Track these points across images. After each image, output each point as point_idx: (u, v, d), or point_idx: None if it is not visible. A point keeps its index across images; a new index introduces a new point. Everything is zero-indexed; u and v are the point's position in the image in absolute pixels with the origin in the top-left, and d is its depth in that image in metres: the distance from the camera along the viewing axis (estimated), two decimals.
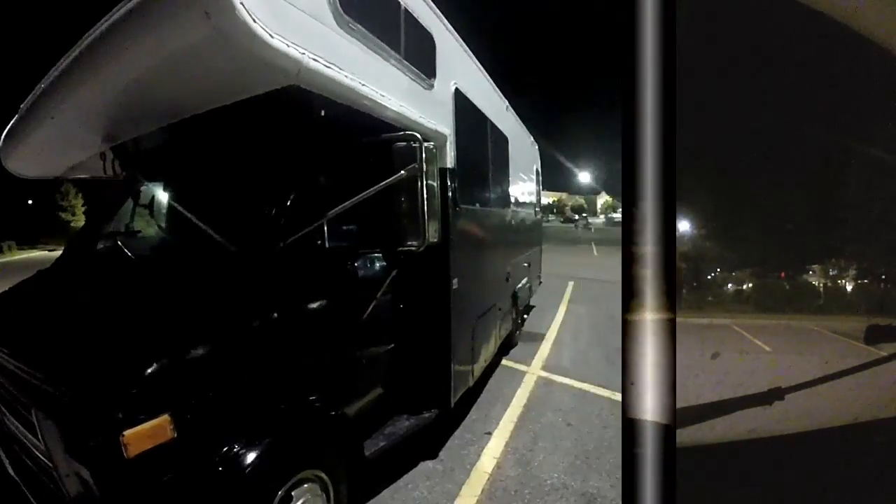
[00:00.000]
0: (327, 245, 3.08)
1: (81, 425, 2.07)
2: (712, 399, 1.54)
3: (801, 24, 1.32)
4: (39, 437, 2.35)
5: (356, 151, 3.33)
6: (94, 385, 2.14)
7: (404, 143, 3.11)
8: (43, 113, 3.30)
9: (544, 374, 6.49)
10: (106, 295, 2.99)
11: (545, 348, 7.75)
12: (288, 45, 2.15)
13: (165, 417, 2.13)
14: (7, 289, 4.00)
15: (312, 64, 2.31)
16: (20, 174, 4.88)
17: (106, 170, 4.57)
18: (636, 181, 1.13)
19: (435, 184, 3.27)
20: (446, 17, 4.20)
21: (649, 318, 1.22)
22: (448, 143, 4.04)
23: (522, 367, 6.73)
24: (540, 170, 10.86)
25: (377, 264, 3.57)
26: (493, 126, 6.03)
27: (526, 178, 8.83)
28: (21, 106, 3.67)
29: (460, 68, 4.70)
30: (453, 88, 4.34)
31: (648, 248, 1.16)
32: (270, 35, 2.04)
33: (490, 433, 4.73)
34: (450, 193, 3.96)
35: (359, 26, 2.76)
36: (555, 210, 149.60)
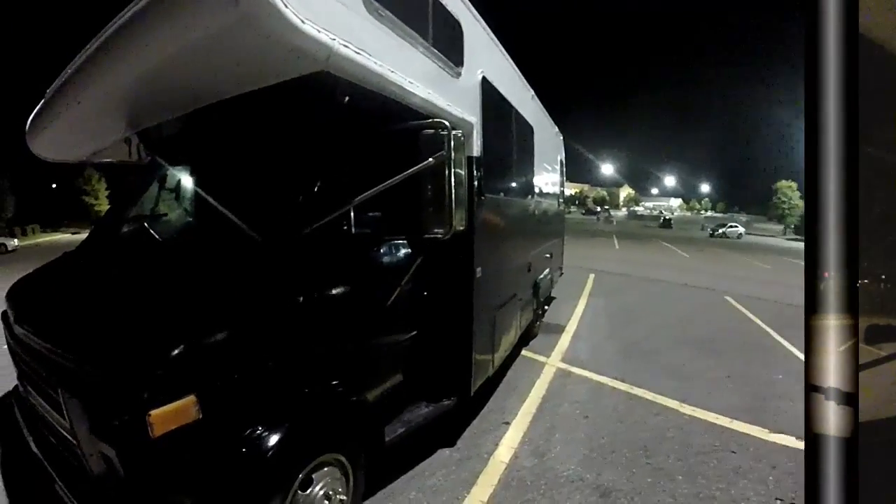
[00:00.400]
0: (353, 231, 3.08)
1: (108, 404, 2.09)
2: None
3: None
4: (65, 415, 2.37)
5: (383, 138, 3.33)
6: (122, 365, 2.16)
7: (432, 131, 3.12)
8: (69, 98, 3.31)
9: (563, 365, 6.48)
10: (133, 277, 3.02)
11: (564, 340, 7.73)
12: (318, 31, 2.14)
13: (191, 398, 2.16)
14: (33, 270, 4.08)
15: (342, 50, 2.31)
16: (45, 158, 4.95)
17: (130, 154, 4.62)
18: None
19: (462, 172, 3.25)
20: (473, 5, 4.16)
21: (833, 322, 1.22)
22: (474, 132, 4.01)
23: (541, 359, 6.72)
24: (564, 160, 10.78)
25: (402, 251, 3.56)
26: (519, 115, 5.98)
27: (550, 168, 8.77)
28: (47, 91, 3.70)
29: (487, 56, 4.67)
30: (480, 77, 4.30)
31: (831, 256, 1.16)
32: (301, 20, 2.04)
33: (507, 423, 4.74)
34: (475, 182, 3.94)
35: (388, 13, 2.75)
36: (577, 202, 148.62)
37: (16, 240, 34.88)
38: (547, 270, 8.22)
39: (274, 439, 2.37)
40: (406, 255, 3.58)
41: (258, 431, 2.37)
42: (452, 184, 3.12)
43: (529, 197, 6.79)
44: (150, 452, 2.09)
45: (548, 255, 8.30)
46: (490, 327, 4.59)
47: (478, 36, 4.34)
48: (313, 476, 2.66)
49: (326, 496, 2.72)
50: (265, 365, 2.53)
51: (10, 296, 3.56)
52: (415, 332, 3.74)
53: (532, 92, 7.04)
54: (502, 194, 5.21)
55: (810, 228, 1.27)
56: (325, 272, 2.91)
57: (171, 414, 2.10)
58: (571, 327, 8.59)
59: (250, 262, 2.68)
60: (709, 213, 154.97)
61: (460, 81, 3.87)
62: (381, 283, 3.39)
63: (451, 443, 4.26)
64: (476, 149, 4.03)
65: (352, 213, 3.03)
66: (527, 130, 6.57)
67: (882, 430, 1.51)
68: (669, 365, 6.63)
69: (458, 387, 4.06)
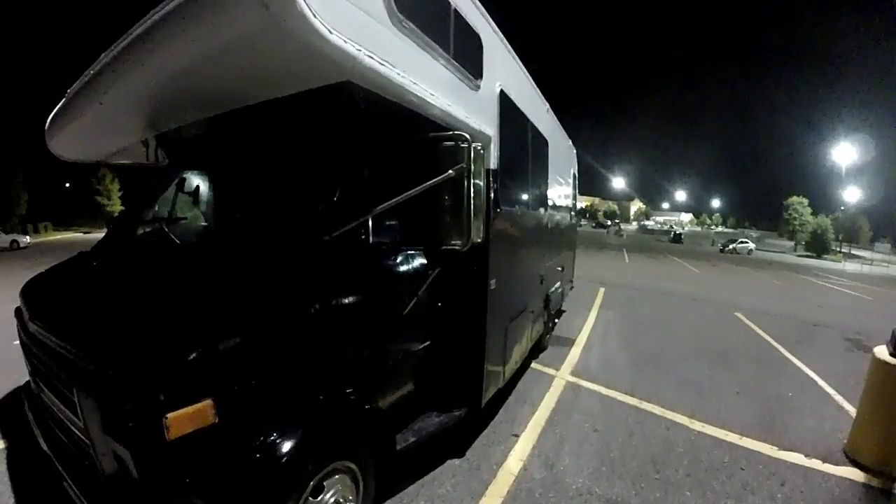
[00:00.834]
0: (371, 240, 3.11)
1: (124, 405, 2.10)
2: None
3: None
4: (79, 414, 2.37)
5: (403, 148, 3.36)
6: (140, 367, 2.18)
7: (452, 143, 3.15)
8: (91, 98, 3.33)
9: (573, 378, 6.47)
10: (151, 279, 3.05)
11: (574, 353, 7.71)
12: (345, 41, 2.17)
13: (208, 402, 2.19)
14: (48, 268, 4.12)
15: (367, 61, 2.34)
16: (64, 157, 5.00)
17: (148, 156, 4.67)
18: None
19: (480, 184, 3.28)
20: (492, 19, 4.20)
21: None
22: (492, 144, 4.05)
23: (551, 371, 6.72)
24: (577, 174, 10.81)
25: (418, 261, 3.59)
26: (535, 128, 6.02)
27: (563, 181, 8.79)
28: (68, 90, 3.75)
29: (506, 70, 4.71)
30: (498, 89, 4.35)
31: None
32: (328, 30, 2.07)
33: (517, 435, 4.74)
34: (492, 194, 3.97)
35: (411, 24, 2.78)
36: (588, 215, 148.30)
37: (28, 237, 35.11)
38: (558, 283, 8.23)
39: (287, 445, 2.38)
40: (422, 265, 3.61)
41: (272, 437, 2.39)
42: (471, 196, 3.15)
43: (543, 210, 6.81)
44: (165, 454, 2.11)
45: (559, 268, 8.31)
46: (502, 339, 4.60)
47: (497, 49, 4.38)
48: (325, 483, 2.68)
49: (337, 503, 2.73)
50: (281, 371, 2.56)
51: (25, 293, 3.60)
52: (428, 343, 3.76)
53: (547, 105, 7.07)
54: (517, 207, 5.24)
55: None
56: (342, 280, 2.93)
57: (188, 417, 2.13)
58: (581, 340, 8.57)
59: (269, 268, 2.71)
60: (719, 229, 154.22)
61: (479, 94, 3.91)
62: (397, 292, 3.42)
63: (460, 453, 4.27)
64: (493, 161, 4.06)
65: (370, 222, 3.06)
66: (542, 143, 6.61)
67: None
68: (679, 379, 6.61)
69: (469, 397, 4.07)
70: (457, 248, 3.24)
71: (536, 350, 7.15)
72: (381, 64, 2.47)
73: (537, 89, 6.36)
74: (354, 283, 3.01)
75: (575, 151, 10.50)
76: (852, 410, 5.22)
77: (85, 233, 50.21)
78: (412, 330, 3.63)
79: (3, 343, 7.27)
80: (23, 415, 3.68)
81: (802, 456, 4.51)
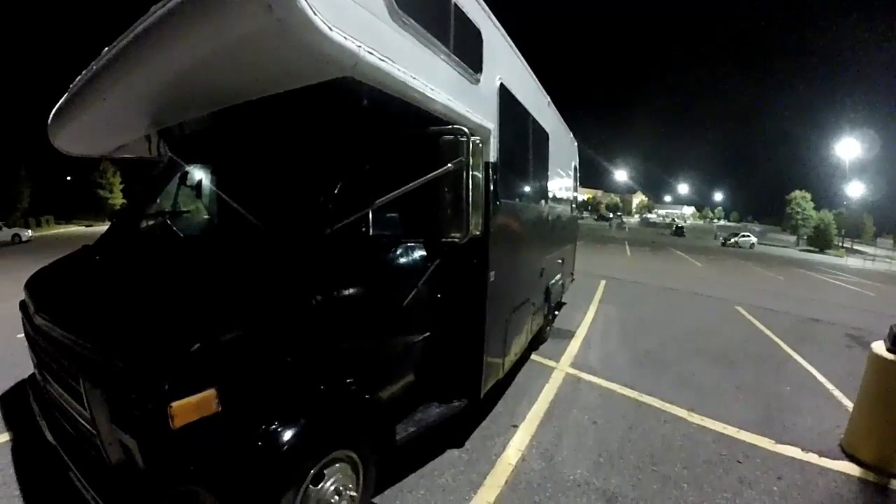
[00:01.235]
0: (371, 232, 3.14)
1: (130, 395, 2.13)
2: None
3: None
4: (85, 404, 2.41)
5: (403, 142, 3.38)
6: (145, 357, 2.21)
7: (451, 137, 3.19)
8: (94, 94, 3.35)
9: (572, 371, 6.50)
10: (155, 271, 3.08)
11: (574, 346, 7.75)
12: (346, 39, 2.19)
13: (212, 392, 2.22)
14: (52, 261, 4.15)
15: (368, 57, 2.35)
16: (67, 152, 5.02)
17: (151, 151, 4.70)
18: None
19: (479, 177, 3.30)
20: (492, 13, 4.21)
21: None
22: (492, 138, 4.06)
23: (551, 364, 6.75)
24: (578, 166, 10.81)
25: (418, 254, 3.61)
26: (535, 121, 6.03)
27: (564, 174, 8.80)
28: (71, 85, 3.76)
29: (506, 63, 4.72)
30: (498, 83, 4.36)
31: None
32: (329, 28, 2.08)
33: (516, 426, 4.79)
34: (492, 187, 3.99)
35: (411, 21, 2.79)
36: (589, 207, 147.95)
37: (30, 231, 35.47)
38: (559, 276, 8.26)
39: (289, 434, 2.43)
40: (422, 257, 3.64)
41: (274, 426, 2.43)
42: (470, 189, 3.19)
43: (543, 202, 6.82)
44: (170, 443, 2.14)
45: (560, 261, 8.33)
46: (502, 331, 4.63)
47: (497, 43, 4.39)
48: (325, 471, 2.72)
49: (337, 491, 2.77)
50: (283, 361, 2.59)
51: (30, 286, 3.63)
52: (428, 334, 3.79)
53: (548, 98, 7.07)
54: (517, 199, 5.26)
55: None
56: (343, 272, 2.96)
57: (192, 406, 2.16)
58: (582, 333, 8.60)
59: (271, 260, 2.75)
60: (722, 222, 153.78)
61: (479, 88, 3.92)
62: (398, 284, 3.45)
63: (460, 444, 4.31)
64: (493, 154, 4.08)
65: (371, 215, 3.09)
66: (542, 136, 6.62)
67: None
68: (679, 374, 6.64)
69: (468, 389, 4.11)
70: (456, 240, 3.27)
71: (537, 342, 7.19)
72: (382, 60, 2.48)
73: (538, 83, 6.36)
74: (355, 275, 3.04)
75: (576, 144, 10.49)
76: (850, 406, 5.24)
77: (87, 226, 50.44)
78: (412, 321, 3.66)
79: (6, 337, 7.36)
80: (26, 407, 3.72)
81: (800, 450, 4.54)
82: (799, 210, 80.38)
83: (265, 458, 2.37)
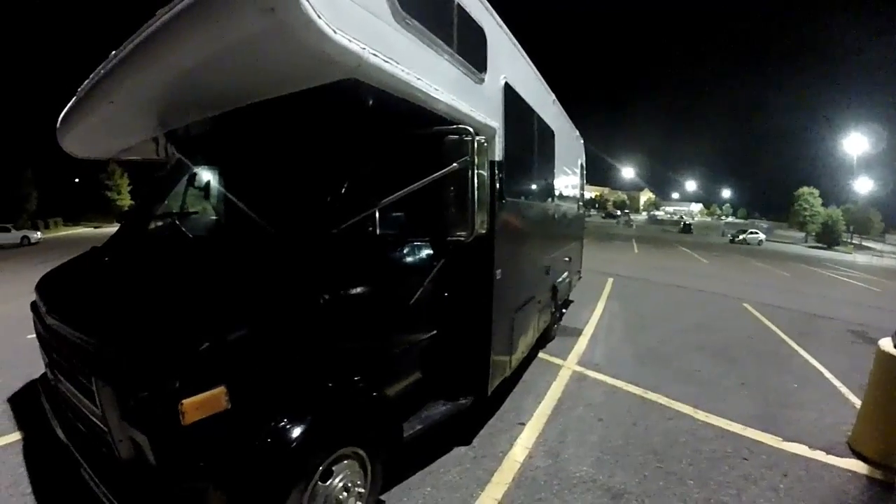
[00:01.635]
0: (377, 232, 3.17)
1: (141, 392, 2.16)
2: None
3: None
4: (96, 402, 2.43)
5: (408, 142, 3.41)
6: (156, 355, 2.24)
7: (456, 136, 3.23)
8: (101, 97, 3.37)
9: (579, 369, 6.52)
10: (164, 272, 3.12)
11: (581, 344, 7.76)
12: (349, 41, 2.21)
13: (221, 389, 2.25)
14: (62, 263, 4.19)
15: (372, 59, 2.37)
16: (75, 154, 5.08)
17: (158, 153, 4.73)
18: None
19: (484, 176, 3.32)
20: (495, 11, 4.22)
21: None
22: (497, 136, 4.07)
23: (558, 361, 6.77)
24: (584, 164, 10.80)
25: (423, 252, 3.64)
26: (540, 119, 6.04)
27: (570, 172, 8.80)
28: (79, 89, 3.79)
29: (510, 62, 4.73)
30: (503, 82, 4.36)
31: None
32: (333, 31, 2.10)
33: (523, 423, 4.81)
34: (497, 186, 4.01)
35: (415, 21, 2.81)
36: (596, 205, 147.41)
37: (39, 233, 35.81)
38: (566, 273, 8.27)
39: (297, 431, 2.46)
40: (428, 256, 3.66)
41: (282, 423, 2.46)
42: (475, 188, 3.22)
43: (549, 200, 6.84)
44: (180, 439, 2.17)
45: (567, 259, 8.34)
46: (508, 329, 4.65)
47: (501, 42, 4.40)
48: (333, 468, 2.75)
49: (345, 488, 2.81)
50: (291, 359, 2.63)
51: (41, 287, 3.68)
52: (435, 332, 3.81)
53: (553, 96, 7.07)
54: (523, 198, 5.28)
55: None
56: (350, 271, 2.99)
57: (202, 403, 2.19)
58: (588, 331, 8.61)
59: (279, 260, 2.78)
60: (729, 219, 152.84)
61: (483, 87, 3.93)
62: (404, 282, 3.48)
63: (467, 441, 4.34)
64: (498, 153, 4.09)
65: (377, 214, 3.12)
66: (548, 134, 6.62)
67: None
68: (684, 370, 6.65)
69: (475, 386, 4.13)
70: (461, 239, 3.31)
71: (543, 340, 7.20)
72: (386, 61, 2.50)
73: (543, 81, 6.37)
74: (362, 273, 3.07)
75: (582, 142, 10.48)
76: (857, 402, 5.25)
77: (95, 227, 50.98)
78: (419, 319, 3.69)
79: (15, 338, 7.46)
80: (37, 406, 3.77)
81: (806, 447, 4.54)
82: (807, 206, 79.80)
83: (274, 455, 2.40)
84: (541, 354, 6.96)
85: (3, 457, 4.17)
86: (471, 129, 3.24)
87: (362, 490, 2.96)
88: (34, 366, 5.62)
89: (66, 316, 2.94)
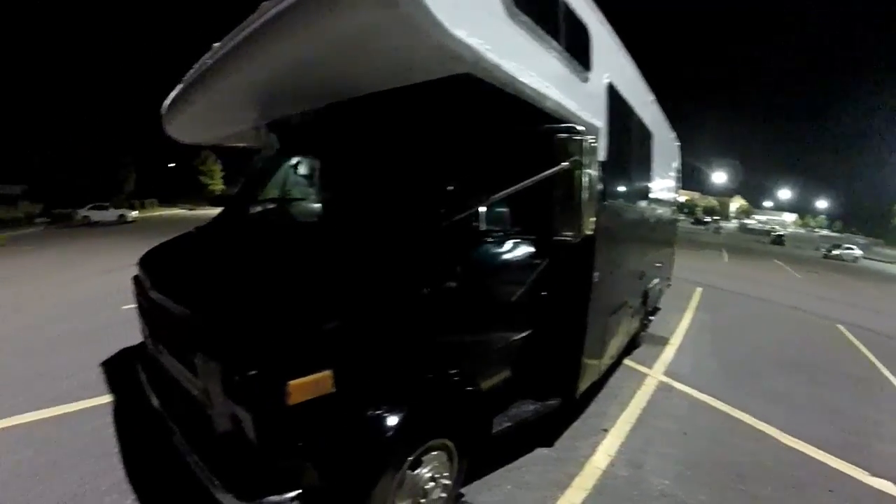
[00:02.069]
0: (483, 228, 3.17)
1: (248, 371, 2.19)
2: None
3: None
4: (199, 376, 2.51)
5: (516, 139, 3.40)
6: (266, 335, 2.31)
7: (566, 135, 3.17)
8: (208, 86, 3.52)
9: (665, 379, 6.34)
10: (272, 254, 3.21)
11: (668, 353, 7.54)
12: (467, 36, 2.22)
13: (328, 373, 2.29)
14: (166, 240, 4.38)
15: (490, 55, 2.38)
16: (179, 140, 5.33)
17: (260, 141, 4.90)
18: None
19: (593, 176, 3.26)
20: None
21: None
22: (600, 136, 4.01)
23: (644, 369, 6.61)
24: (679, 167, 10.44)
25: (527, 251, 3.61)
26: (640, 120, 5.90)
27: (666, 175, 8.55)
28: (185, 76, 3.96)
29: (613, 61, 4.64)
30: (607, 81, 4.29)
31: None
32: (453, 26, 2.12)
33: (606, 430, 4.73)
34: (599, 187, 3.92)
35: (526, 18, 2.79)
36: (686, 210, 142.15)
37: (135, 212, 38.68)
38: (657, 280, 8.05)
39: (395, 420, 2.49)
40: (531, 254, 3.64)
41: (381, 410, 2.50)
42: (584, 188, 3.15)
43: (646, 204, 6.68)
44: (283, 418, 2.23)
45: (658, 264, 8.11)
46: (601, 332, 4.57)
47: (604, 40, 4.33)
48: (423, 458, 2.78)
49: (432, 478, 2.83)
50: (395, 348, 2.67)
51: (145, 263, 3.84)
52: (529, 330, 3.77)
53: (653, 96, 6.89)
54: (622, 200, 5.17)
55: None
56: (455, 266, 3.00)
57: (309, 385, 2.24)
58: (676, 340, 8.34)
59: (388, 250, 2.82)
60: (824, 232, 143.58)
61: (588, 85, 3.87)
62: (506, 280, 3.48)
63: (549, 443, 4.31)
64: (601, 154, 4.02)
65: (483, 210, 3.12)
66: (646, 136, 6.47)
67: None
68: (773, 390, 6.34)
69: (564, 388, 4.08)
70: (569, 239, 3.26)
71: (631, 346, 7.03)
72: (501, 58, 2.50)
73: (643, 80, 6.21)
74: (467, 269, 3.07)
75: (678, 144, 10.14)
76: None
77: (188, 210, 54.05)
78: (516, 317, 3.66)
79: (113, 307, 8.04)
80: (128, 372, 4.01)
81: (893, 485, 4.25)
82: None
83: (370, 441, 2.44)
84: (627, 361, 6.80)
85: (94, 416, 4.48)
86: (581, 129, 3.19)
87: (447, 482, 2.97)
88: (129, 334, 6.05)
89: (172, 292, 3.05)
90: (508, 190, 3.02)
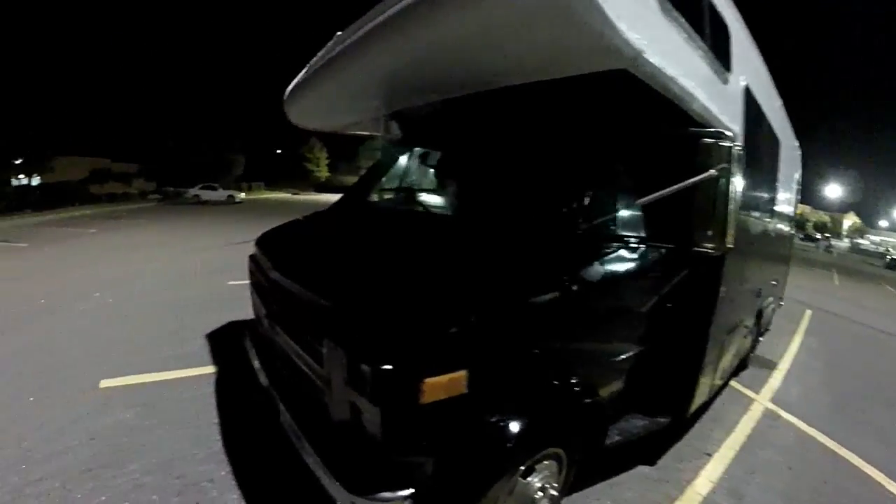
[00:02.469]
0: (618, 234, 3.03)
1: (383, 365, 2.13)
2: None
3: None
4: (322, 363, 2.47)
5: (659, 142, 3.21)
6: (406, 330, 2.27)
7: (713, 140, 2.95)
8: (335, 72, 3.51)
9: (771, 406, 5.93)
10: (404, 245, 3.17)
11: (776, 378, 7.05)
12: (628, 29, 2.09)
13: (463, 373, 2.24)
14: (284, 223, 4.46)
15: (648, 51, 2.24)
16: (301, 125, 5.43)
17: (383, 130, 4.92)
18: None
19: (739, 185, 3.04)
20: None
21: None
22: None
23: (750, 394, 6.22)
24: (800, 178, 9.69)
25: (659, 260, 3.41)
26: (770, 127, 5.55)
27: (789, 186, 7.97)
28: (310, 62, 3.99)
29: (750, 63, 4.39)
30: (743, 84, 4.03)
31: None
32: (616, 16, 2.00)
33: (709, 455, 4.48)
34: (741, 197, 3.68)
35: (677, 14, 2.62)
36: (796, 224, 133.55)
37: (243, 194, 41.91)
38: (771, 298, 7.53)
39: (517, 425, 2.41)
40: (663, 265, 3.44)
41: (504, 414, 2.42)
42: (729, 197, 2.94)
43: (770, 216, 6.24)
44: (413, 416, 2.18)
45: (774, 282, 7.59)
46: (717, 351, 4.30)
47: (742, 40, 4.10)
48: (536, 466, 2.70)
49: (542, 488, 2.74)
50: (526, 352, 2.58)
51: (263, 243, 3.92)
52: (648, 343, 3.57)
53: (780, 101, 6.44)
54: (750, 212, 4.86)
55: None
56: (590, 272, 2.87)
57: (444, 384, 2.19)
58: (784, 366, 7.80)
59: (524, 252, 2.73)
60: None
61: (728, 88, 3.64)
62: (636, 289, 3.32)
63: (651, 461, 4.12)
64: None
65: (620, 216, 2.99)
66: (775, 143, 6.08)
67: None
68: (885, 431, 5.77)
69: (675, 406, 3.87)
70: (710, 251, 3.02)
71: (739, 367, 6.62)
72: (657, 54, 2.35)
73: (773, 83, 5.83)
74: (602, 276, 2.94)
75: (800, 153, 9.37)
76: None
77: (293, 194, 57.44)
78: (639, 327, 3.48)
79: (220, 283, 8.47)
80: (233, 346, 4.13)
81: None
82: None
83: (492, 445, 2.38)
84: (733, 382, 6.41)
85: (197, 386, 4.70)
86: (730, 134, 2.99)
87: (555, 493, 2.87)
88: (233, 309, 6.30)
89: (298, 275, 3.05)
90: (652, 196, 2.85)
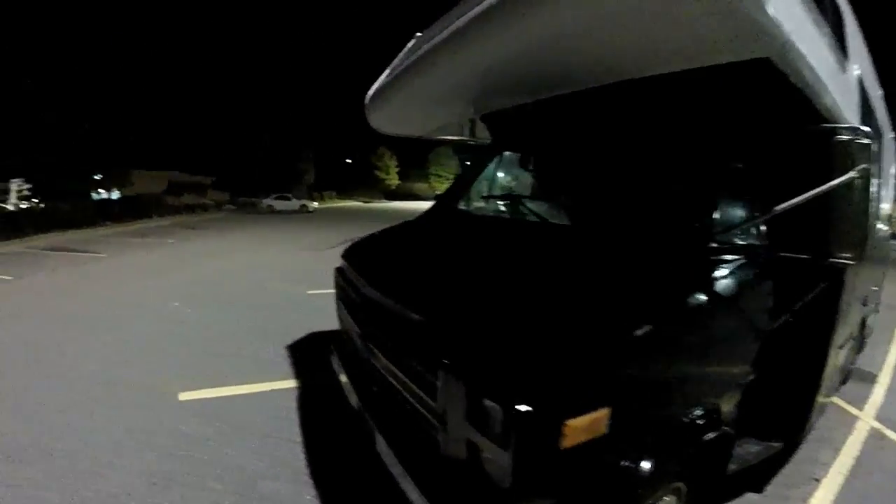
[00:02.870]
0: (745, 244, 2.74)
1: (518, 405, 1.86)
2: None
3: None
4: (435, 395, 2.25)
5: (791, 141, 2.85)
6: (545, 366, 1.99)
7: (850, 138, 2.60)
8: (421, 74, 3.35)
9: (877, 424, 5.45)
10: (520, 260, 2.92)
11: (878, 393, 6.51)
12: (776, 13, 1.83)
13: (606, 412, 1.97)
14: (370, 234, 4.30)
15: (795, 38, 1.97)
16: (382, 131, 5.30)
17: (470, 134, 4.73)
18: None
19: (876, 188, 2.70)
20: None
21: None
22: None
23: (853, 411, 5.76)
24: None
25: (789, 273, 3.01)
26: (877, 119, 5.11)
27: (888, 182, 7.32)
28: (391, 65, 3.83)
29: (861, 51, 4.03)
30: (857, 74, 3.64)
31: None
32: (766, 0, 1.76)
33: (818, 479, 4.13)
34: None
35: (811, 2, 2.34)
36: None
37: (315, 203, 43.49)
38: (872, 305, 6.91)
39: (647, 465, 2.13)
40: (793, 278, 3.04)
41: (635, 453, 2.14)
42: (870, 202, 2.62)
43: (875, 217, 5.68)
44: (548, 461, 1.93)
45: (875, 288, 7.00)
46: (832, 368, 3.88)
47: (853, 28, 3.74)
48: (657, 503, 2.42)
49: None
50: (661, 383, 2.32)
51: (351, 256, 3.76)
52: (768, 363, 3.17)
53: (882, 91, 5.91)
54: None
55: None
56: (722, 288, 2.55)
57: (586, 426, 1.93)
58: (885, 379, 7.21)
59: (658, 269, 2.45)
60: None
61: (846, 78, 3.27)
62: (766, 306, 2.97)
63: (758, 488, 3.72)
64: None
65: (750, 223, 2.69)
66: (879, 138, 5.53)
67: None
68: None
69: (790, 430, 3.49)
70: (847, 261, 2.68)
71: (841, 381, 6.09)
72: (801, 42, 2.07)
73: (874, 72, 5.34)
74: (731, 292, 2.61)
75: None
76: None
77: (364, 202, 59.32)
78: (764, 348, 3.07)
79: (301, 293, 8.49)
80: (313, 360, 3.99)
81: None
82: None
83: (621, 487, 2.11)
84: (834, 398, 5.88)
85: (278, 400, 4.62)
86: (869, 131, 2.62)
87: None
88: (313, 319, 6.24)
89: (397, 292, 2.84)
90: (789, 202, 2.50)
